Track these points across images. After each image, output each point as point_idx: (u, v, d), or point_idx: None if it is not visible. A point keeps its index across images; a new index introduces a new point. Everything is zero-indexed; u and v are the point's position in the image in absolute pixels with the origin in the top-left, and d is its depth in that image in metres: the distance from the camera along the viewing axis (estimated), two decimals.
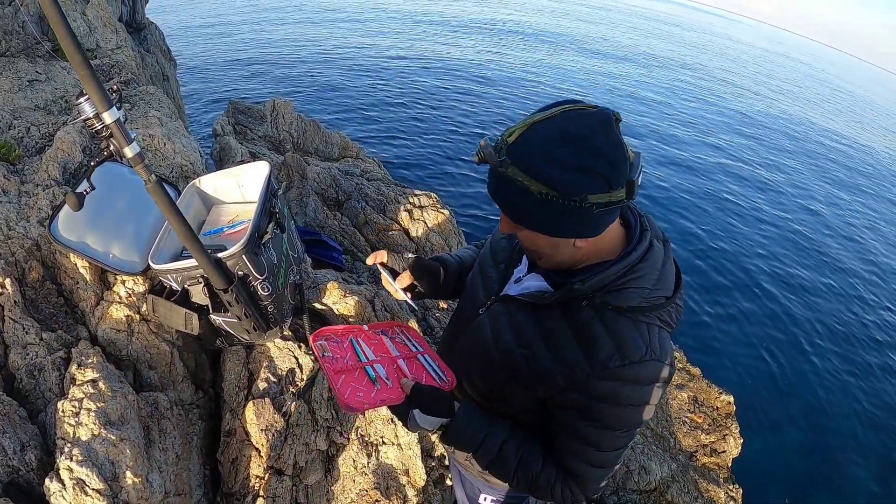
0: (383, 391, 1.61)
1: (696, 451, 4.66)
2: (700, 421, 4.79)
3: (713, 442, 4.72)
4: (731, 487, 4.46)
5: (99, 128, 1.83)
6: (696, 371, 5.20)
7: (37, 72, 4.16)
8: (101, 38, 4.96)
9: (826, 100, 41.02)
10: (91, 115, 1.81)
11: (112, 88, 1.85)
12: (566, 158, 1.16)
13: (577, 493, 1.50)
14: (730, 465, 4.69)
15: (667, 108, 21.71)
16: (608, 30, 43.40)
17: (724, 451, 4.69)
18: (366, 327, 1.91)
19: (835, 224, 14.32)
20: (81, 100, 1.81)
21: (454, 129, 13.94)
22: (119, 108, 1.81)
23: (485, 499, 2.10)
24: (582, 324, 1.38)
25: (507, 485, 1.93)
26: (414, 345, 1.87)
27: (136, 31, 6.55)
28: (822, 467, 6.87)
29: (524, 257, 1.63)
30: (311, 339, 1.76)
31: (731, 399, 4.96)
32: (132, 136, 1.85)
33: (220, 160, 5.77)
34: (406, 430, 2.81)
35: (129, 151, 1.84)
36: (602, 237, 1.36)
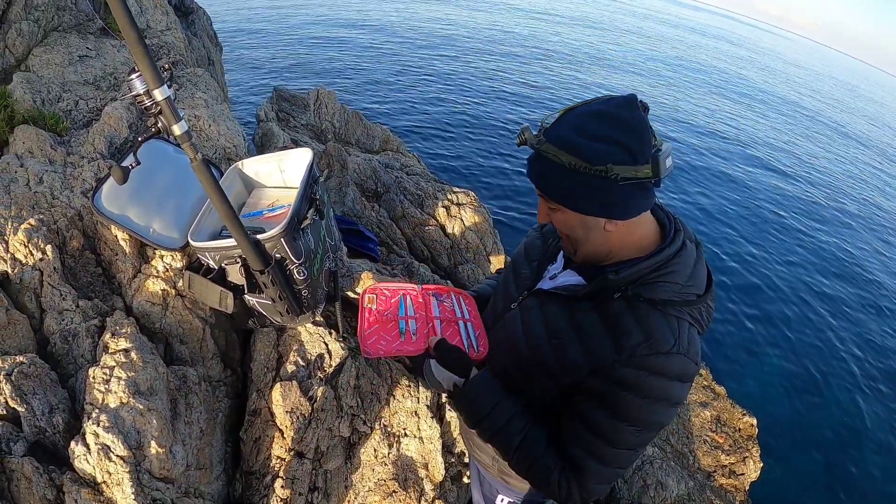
0: (406, 343, 1.67)
1: (715, 472, 4.60)
2: (721, 441, 4.74)
3: (732, 463, 4.65)
4: None
5: (148, 104, 1.85)
6: (720, 390, 5.14)
7: (87, 48, 4.24)
8: (152, 18, 5.04)
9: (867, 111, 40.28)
10: (142, 92, 1.83)
11: (164, 67, 1.88)
12: (592, 130, 1.29)
13: (573, 489, 1.46)
14: (747, 488, 4.62)
15: (714, 119, 21.49)
16: (641, 39, 43.07)
17: (742, 474, 4.63)
18: (419, 287, 1.94)
19: (881, 243, 13.98)
20: (133, 76, 1.83)
21: (497, 129, 13.91)
22: (169, 87, 1.84)
23: (502, 500, 2.10)
24: (613, 314, 1.40)
25: (526, 486, 1.93)
26: (463, 311, 1.89)
27: (185, 15, 6.65)
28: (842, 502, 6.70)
29: (559, 255, 1.67)
30: (362, 292, 1.81)
31: (755, 422, 4.89)
32: (181, 115, 1.88)
33: (262, 145, 5.83)
34: (427, 423, 2.82)
35: (177, 129, 1.87)
36: (635, 230, 1.43)
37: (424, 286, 1.98)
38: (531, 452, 1.50)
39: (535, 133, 1.39)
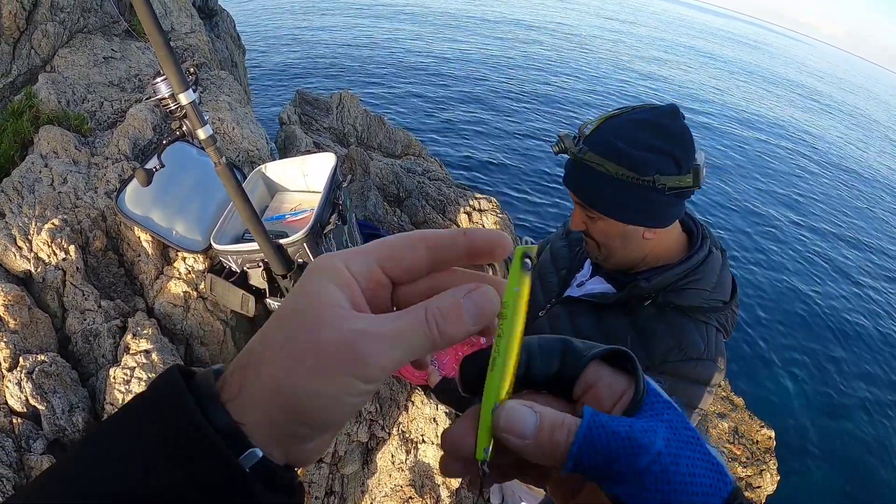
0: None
1: None
2: (738, 453, 4.69)
3: (749, 476, 4.61)
4: None
5: (173, 108, 1.87)
6: (739, 401, 5.08)
7: (112, 49, 4.28)
8: (176, 21, 5.07)
9: None
10: (167, 95, 1.85)
11: (189, 71, 1.89)
12: (640, 139, 1.28)
13: None
14: (763, 501, 4.57)
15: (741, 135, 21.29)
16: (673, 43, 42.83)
17: (759, 487, 4.58)
18: None
19: None
20: (158, 80, 1.84)
21: (522, 137, 13.76)
22: (195, 91, 1.86)
23: None
24: (643, 321, 1.41)
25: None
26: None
27: (209, 17, 6.68)
28: None
29: (586, 263, 1.65)
30: None
31: (773, 434, 4.84)
32: (206, 119, 1.89)
33: (285, 148, 5.83)
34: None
35: (202, 133, 1.88)
36: (666, 239, 1.43)
37: None
38: None
39: (572, 139, 1.37)
